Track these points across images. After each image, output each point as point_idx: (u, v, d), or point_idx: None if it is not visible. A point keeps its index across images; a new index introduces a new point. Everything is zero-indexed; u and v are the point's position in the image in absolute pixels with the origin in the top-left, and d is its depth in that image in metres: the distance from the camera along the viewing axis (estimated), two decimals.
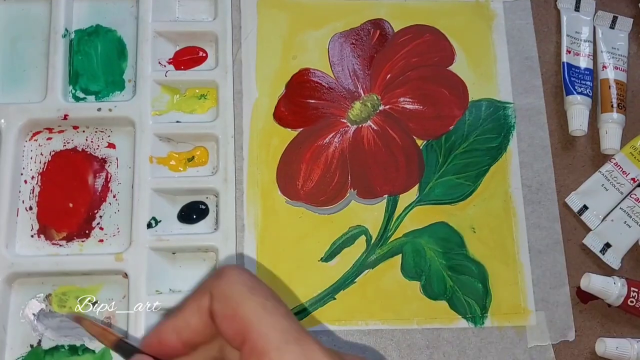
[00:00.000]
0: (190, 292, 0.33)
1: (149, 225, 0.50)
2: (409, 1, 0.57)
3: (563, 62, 0.56)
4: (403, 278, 0.50)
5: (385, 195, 0.52)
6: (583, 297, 0.51)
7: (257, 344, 0.29)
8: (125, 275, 0.48)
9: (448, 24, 0.57)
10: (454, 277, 0.51)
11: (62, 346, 0.48)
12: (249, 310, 0.30)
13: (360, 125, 0.54)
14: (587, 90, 0.55)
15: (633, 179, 0.53)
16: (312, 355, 0.29)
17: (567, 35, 0.57)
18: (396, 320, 0.49)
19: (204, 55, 0.55)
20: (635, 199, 0.53)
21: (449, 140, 0.54)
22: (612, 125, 0.54)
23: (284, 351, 0.29)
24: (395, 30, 0.56)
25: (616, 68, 0.56)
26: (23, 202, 0.51)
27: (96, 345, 0.48)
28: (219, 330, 0.31)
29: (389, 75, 0.55)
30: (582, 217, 0.53)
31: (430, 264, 0.51)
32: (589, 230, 0.53)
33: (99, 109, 0.52)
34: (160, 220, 0.50)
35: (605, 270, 0.52)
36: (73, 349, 0.48)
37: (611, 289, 0.49)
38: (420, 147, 0.53)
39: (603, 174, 0.53)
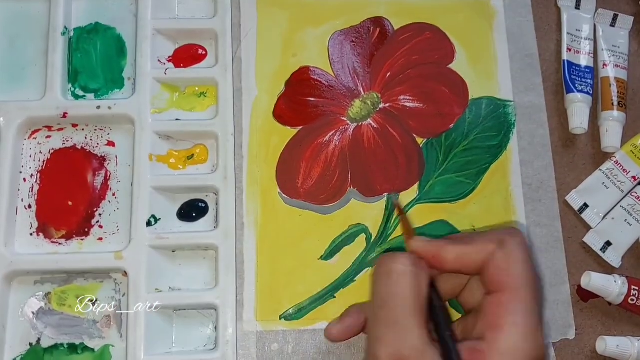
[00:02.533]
0: (476, 234, 0.43)
1: (149, 223, 0.50)
2: None
3: (563, 60, 0.56)
4: None
5: (385, 194, 0.52)
6: (583, 296, 0.51)
7: (506, 301, 0.37)
8: (125, 274, 0.48)
9: (448, 21, 0.56)
10: None
11: (62, 344, 0.48)
12: (518, 275, 0.37)
13: (360, 124, 0.54)
14: (588, 88, 0.55)
15: (634, 177, 0.53)
16: (535, 342, 0.36)
17: (568, 33, 0.56)
18: None
19: (204, 53, 0.55)
20: (635, 197, 0.53)
21: (449, 138, 0.54)
22: (612, 123, 0.54)
23: (519, 326, 0.36)
24: (396, 28, 0.56)
25: (617, 66, 0.56)
26: (22, 200, 0.51)
27: (95, 344, 0.48)
28: (486, 270, 0.38)
29: (389, 73, 0.55)
30: (583, 215, 0.53)
31: None
32: (589, 228, 0.53)
33: (99, 107, 0.52)
34: (160, 218, 0.50)
35: (606, 268, 0.52)
36: (72, 348, 0.48)
37: (612, 287, 0.49)
38: (421, 146, 0.53)
39: (604, 172, 0.53)
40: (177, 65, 0.54)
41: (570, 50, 0.56)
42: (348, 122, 0.54)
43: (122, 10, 0.55)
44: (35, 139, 0.52)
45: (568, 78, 0.55)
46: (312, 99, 0.54)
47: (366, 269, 0.50)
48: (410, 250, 0.41)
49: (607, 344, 0.48)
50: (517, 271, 0.37)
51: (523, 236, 0.39)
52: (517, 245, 0.38)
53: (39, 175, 0.51)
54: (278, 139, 0.53)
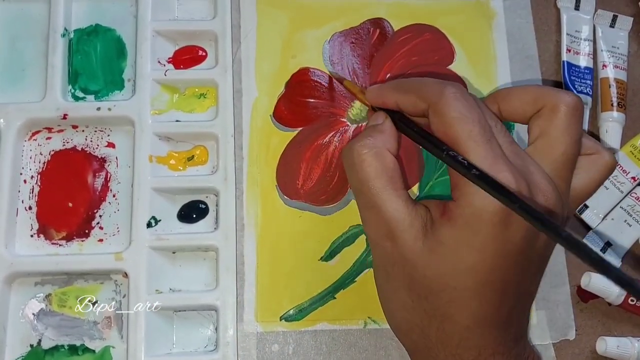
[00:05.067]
0: (413, 83, 0.42)
1: (149, 225, 0.50)
2: (408, 0, 0.57)
3: (563, 61, 0.56)
4: None
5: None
6: (584, 296, 0.51)
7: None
8: (125, 275, 0.48)
9: (448, 22, 0.57)
10: None
11: (62, 346, 0.48)
12: (456, 135, 0.37)
13: (360, 125, 0.54)
14: (587, 89, 0.55)
15: (633, 178, 0.53)
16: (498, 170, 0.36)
17: (567, 34, 0.57)
18: None
19: (204, 54, 0.55)
20: (635, 198, 0.53)
21: None
22: (612, 124, 0.54)
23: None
24: (395, 29, 0.56)
25: (616, 67, 0.56)
26: (22, 201, 0.51)
27: (96, 345, 0.48)
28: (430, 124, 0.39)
29: (388, 75, 0.55)
30: (582, 216, 0.53)
31: None
32: (589, 229, 0.53)
33: (98, 109, 0.52)
34: (160, 220, 0.50)
35: None
36: (73, 349, 0.48)
37: (612, 287, 0.49)
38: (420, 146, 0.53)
39: None
40: (177, 67, 0.54)
41: (569, 51, 0.56)
42: (348, 123, 0.54)
43: (122, 11, 0.55)
44: (36, 140, 0.52)
45: (567, 79, 0.55)
46: (312, 100, 0.54)
47: (367, 270, 0.50)
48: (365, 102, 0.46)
49: (607, 344, 0.48)
50: (453, 133, 0.37)
51: (452, 94, 0.38)
52: (445, 107, 0.38)
53: (39, 176, 0.51)
54: (278, 140, 0.53)
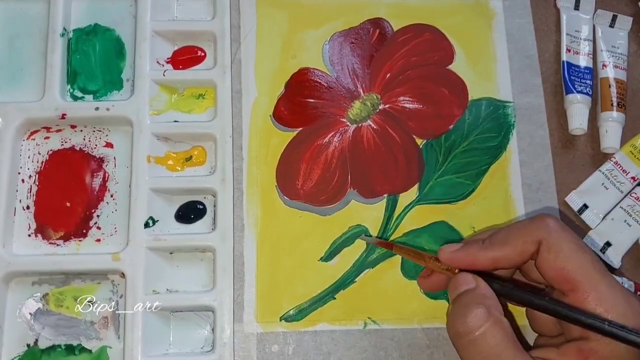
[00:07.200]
0: (509, 233, 0.40)
1: (147, 225, 0.49)
2: (408, 0, 0.57)
3: (563, 61, 0.56)
4: (403, 277, 0.50)
5: (385, 195, 0.52)
6: None
7: (589, 295, 0.37)
8: (123, 275, 0.48)
9: (447, 22, 0.56)
10: None
11: (59, 345, 0.47)
12: (578, 267, 0.37)
13: (360, 125, 0.53)
14: (587, 89, 0.54)
15: (633, 178, 0.53)
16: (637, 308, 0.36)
17: (567, 34, 0.56)
18: (396, 320, 0.49)
19: (203, 54, 0.55)
20: (635, 198, 0.52)
21: (449, 139, 0.53)
22: (612, 124, 0.54)
23: (614, 304, 0.36)
24: (395, 29, 0.56)
25: (616, 67, 0.56)
26: (20, 201, 0.50)
27: (93, 345, 0.47)
28: (542, 273, 0.39)
29: (388, 75, 0.55)
30: (582, 216, 0.52)
31: None
32: (589, 229, 0.52)
33: (97, 108, 0.51)
34: (158, 220, 0.50)
35: None
36: (70, 349, 0.47)
37: None
38: (420, 147, 0.53)
39: (603, 173, 0.53)
40: (175, 67, 0.54)
41: (569, 51, 0.56)
42: (348, 123, 0.53)
43: (121, 11, 0.55)
44: (34, 140, 0.52)
45: (567, 79, 0.55)
46: (312, 100, 0.54)
47: (366, 270, 0.50)
48: (443, 262, 0.42)
49: None
50: (574, 266, 0.37)
51: (560, 227, 0.39)
52: (559, 240, 0.38)
53: (37, 176, 0.51)
54: (278, 140, 0.53)
